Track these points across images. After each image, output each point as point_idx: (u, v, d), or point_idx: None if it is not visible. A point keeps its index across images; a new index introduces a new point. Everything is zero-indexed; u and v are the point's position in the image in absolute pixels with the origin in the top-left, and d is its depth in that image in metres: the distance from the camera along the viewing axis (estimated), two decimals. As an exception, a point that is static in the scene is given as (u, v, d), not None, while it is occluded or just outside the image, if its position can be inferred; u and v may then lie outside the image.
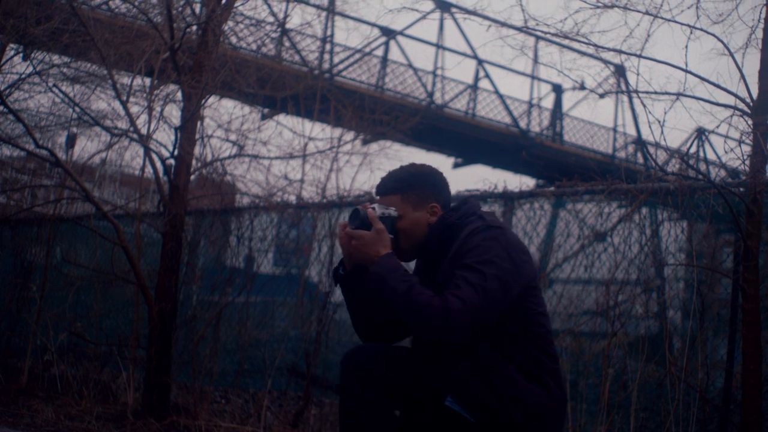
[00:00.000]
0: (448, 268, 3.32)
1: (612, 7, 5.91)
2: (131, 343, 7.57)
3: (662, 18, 5.88)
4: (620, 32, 6.34)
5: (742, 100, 5.46)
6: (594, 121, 21.33)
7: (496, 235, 3.32)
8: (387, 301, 3.22)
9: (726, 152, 5.49)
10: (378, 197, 3.60)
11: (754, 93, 5.46)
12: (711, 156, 18.87)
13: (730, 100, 5.60)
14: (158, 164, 7.21)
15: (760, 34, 5.59)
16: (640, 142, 20.68)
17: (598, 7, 5.93)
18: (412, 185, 3.57)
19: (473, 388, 3.23)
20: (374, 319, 3.56)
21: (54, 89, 8.34)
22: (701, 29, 5.73)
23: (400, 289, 3.18)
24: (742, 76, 5.46)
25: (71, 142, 13.28)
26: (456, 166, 20.88)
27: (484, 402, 3.22)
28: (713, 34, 5.74)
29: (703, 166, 16.53)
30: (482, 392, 3.23)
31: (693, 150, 17.45)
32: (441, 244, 3.47)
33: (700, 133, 18.85)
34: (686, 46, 5.68)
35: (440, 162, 21.19)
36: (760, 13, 5.58)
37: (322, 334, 7.44)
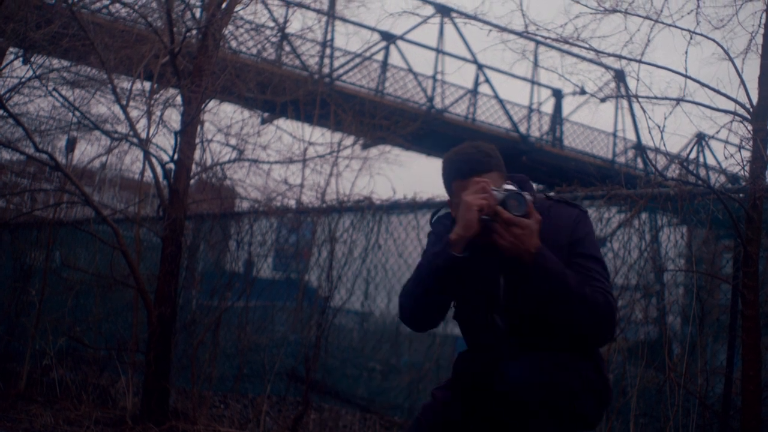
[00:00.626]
0: (562, 254, 3.14)
1: (613, 12, 5.91)
2: (130, 347, 7.56)
3: (662, 23, 5.88)
4: (620, 37, 6.36)
5: (742, 106, 5.46)
6: (594, 126, 21.34)
7: (591, 223, 3.32)
8: (557, 297, 3.00)
9: (726, 158, 5.49)
10: (469, 177, 3.16)
11: (754, 99, 5.45)
12: (711, 161, 18.88)
13: (730, 106, 5.60)
14: (158, 168, 7.21)
15: (760, 39, 5.59)
16: (639, 147, 20.67)
17: (598, 12, 5.93)
18: (502, 162, 3.27)
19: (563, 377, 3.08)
20: (442, 306, 3.34)
21: (54, 93, 8.35)
22: (701, 34, 5.73)
23: (573, 285, 3.00)
24: (742, 82, 5.46)
25: (71, 145, 13.27)
26: (456, 170, 20.91)
27: (572, 390, 3.07)
28: (713, 40, 5.74)
29: (702, 172, 16.55)
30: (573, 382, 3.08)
31: (693, 155, 17.47)
32: None
33: (700, 138, 18.87)
34: (686, 52, 5.69)
35: (440, 166, 21.20)
36: (760, 18, 5.58)
37: (321, 339, 7.44)
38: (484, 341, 3.27)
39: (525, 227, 2.97)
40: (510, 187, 3.07)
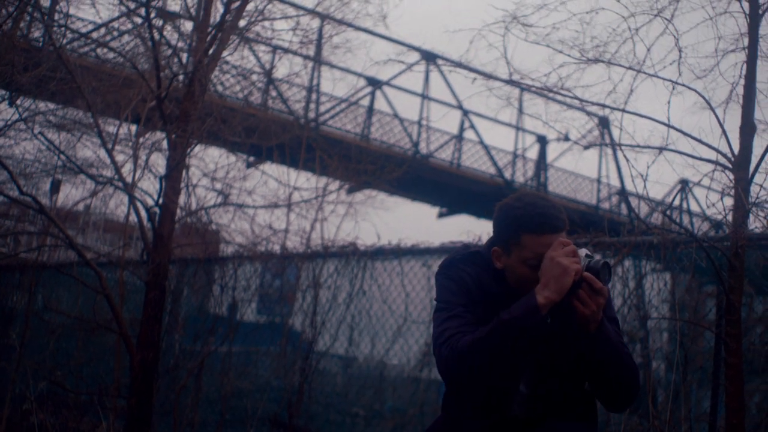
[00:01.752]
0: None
1: (596, 62, 5.98)
2: (112, 392, 7.50)
3: (645, 73, 5.95)
4: (604, 86, 6.41)
5: (724, 155, 5.51)
6: (578, 172, 21.45)
7: None
8: (619, 363, 3.00)
9: (708, 206, 5.53)
10: (546, 234, 3.00)
11: (736, 148, 5.51)
12: (695, 207, 18.99)
13: (712, 155, 5.65)
14: (143, 213, 7.20)
15: (741, 90, 5.66)
16: (623, 193, 20.78)
17: (581, 62, 6.00)
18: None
19: None
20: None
21: (39, 136, 8.34)
22: (683, 85, 5.79)
23: (624, 353, 3.01)
24: (724, 132, 5.51)
25: (55, 188, 13.23)
26: (441, 215, 20.92)
27: None
28: (695, 90, 5.80)
29: (686, 218, 16.64)
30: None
31: (676, 202, 17.56)
32: None
33: (684, 185, 18.99)
34: (669, 101, 5.75)
35: (425, 211, 21.25)
36: (741, 69, 5.65)
37: (304, 384, 7.41)
38: (496, 406, 3.13)
39: (606, 297, 2.90)
40: (589, 254, 2.94)
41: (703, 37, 6.04)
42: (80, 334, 8.68)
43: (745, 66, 5.64)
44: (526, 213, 3.02)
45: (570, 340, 3.01)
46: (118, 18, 9.93)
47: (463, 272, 3.16)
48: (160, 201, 7.08)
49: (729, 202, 5.47)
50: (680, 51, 5.89)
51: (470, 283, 3.11)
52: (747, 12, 5.68)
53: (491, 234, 3.22)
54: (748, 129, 5.49)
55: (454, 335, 2.99)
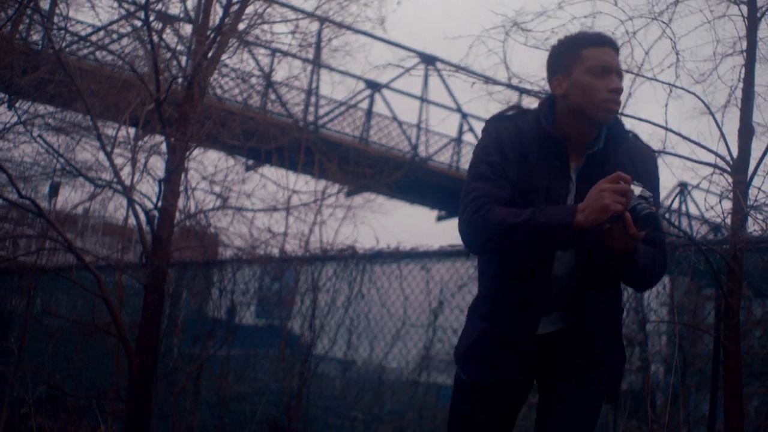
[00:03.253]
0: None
1: (594, 65, 5.97)
2: (110, 396, 7.49)
3: (644, 76, 5.96)
4: (602, 89, 6.41)
5: (723, 158, 5.52)
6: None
7: None
8: (653, 271, 3.11)
9: (707, 209, 5.54)
10: (607, 47, 3.12)
11: (734, 151, 5.51)
12: (694, 210, 18.99)
13: (711, 158, 5.65)
14: (142, 216, 7.20)
15: (739, 93, 5.66)
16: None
17: (580, 65, 6.00)
18: None
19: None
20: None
21: (38, 139, 8.35)
22: (682, 88, 5.80)
23: (650, 266, 3.08)
24: (722, 135, 5.52)
25: (54, 191, 13.23)
26: (439, 218, 20.90)
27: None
28: (694, 93, 5.80)
29: (685, 221, 16.63)
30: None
31: (675, 205, 17.56)
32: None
33: (683, 188, 18.99)
34: (667, 105, 5.76)
35: (424, 215, 21.20)
36: (740, 73, 5.66)
37: (303, 388, 7.40)
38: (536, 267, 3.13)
39: (639, 239, 2.89)
40: (644, 192, 2.90)
41: (701, 41, 6.04)
42: (79, 338, 8.67)
43: (743, 69, 5.64)
44: (583, 32, 3.25)
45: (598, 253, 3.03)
46: (117, 21, 9.94)
47: (501, 128, 3.19)
48: (159, 204, 7.07)
49: (728, 205, 5.48)
50: (678, 54, 5.89)
51: (506, 139, 3.13)
52: (745, 15, 5.69)
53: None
54: (746, 132, 5.49)
55: (482, 198, 3.04)
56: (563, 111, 3.14)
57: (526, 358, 3.13)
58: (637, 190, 2.86)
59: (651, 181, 3.16)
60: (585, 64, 3.07)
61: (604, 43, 3.12)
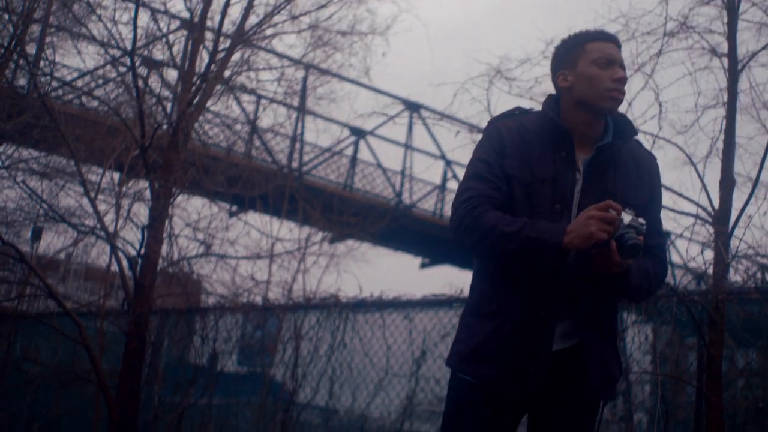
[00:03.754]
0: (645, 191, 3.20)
1: (577, 116, 6.02)
2: (90, 444, 7.39)
3: (626, 127, 6.01)
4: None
5: (704, 209, 5.56)
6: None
7: None
8: (649, 289, 3.18)
9: (688, 261, 5.56)
10: (611, 42, 3.21)
11: (716, 202, 5.55)
12: (677, 258, 19.02)
13: (693, 209, 5.70)
14: (124, 262, 7.17)
15: (720, 144, 5.72)
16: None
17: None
18: None
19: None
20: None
21: (22, 185, 8.32)
22: (665, 139, 5.87)
23: (647, 286, 3.13)
24: (704, 186, 5.57)
25: (37, 235, 13.17)
26: (423, 266, 20.85)
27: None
28: (676, 144, 5.87)
29: (668, 270, 16.67)
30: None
31: (658, 253, 17.62)
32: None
33: (666, 236, 19.04)
34: (649, 156, 5.80)
35: (407, 262, 21.15)
36: (721, 124, 5.72)
37: (285, 438, 7.33)
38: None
39: (623, 267, 2.92)
40: (634, 222, 2.89)
41: (683, 92, 6.13)
42: (58, 386, 8.57)
43: (724, 121, 5.71)
44: (586, 29, 3.26)
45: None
46: (103, 66, 9.97)
47: (501, 125, 3.22)
48: (142, 251, 7.05)
49: (710, 255, 5.51)
50: (661, 106, 5.97)
51: (506, 134, 3.16)
52: (726, 68, 5.77)
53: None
54: (727, 183, 5.54)
55: (476, 198, 3.05)
56: (568, 105, 3.20)
57: (544, 358, 3.02)
58: (626, 218, 2.87)
59: (653, 180, 3.23)
60: (590, 56, 3.15)
61: (607, 38, 3.22)
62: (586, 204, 2.96)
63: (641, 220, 2.89)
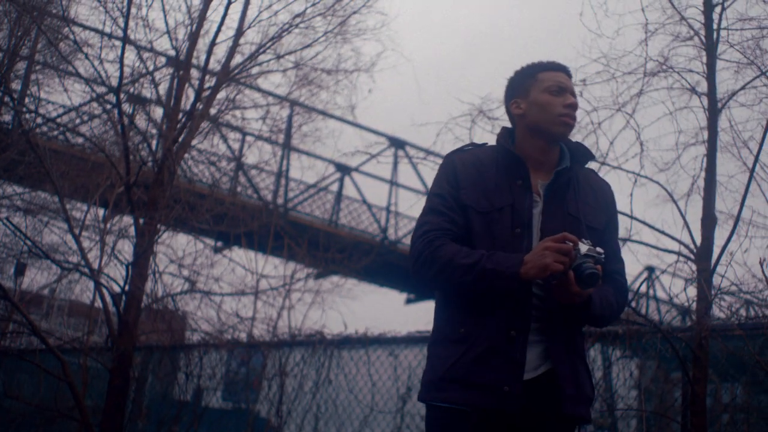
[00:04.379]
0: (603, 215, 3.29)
1: (559, 154, 6.07)
2: (72, 483, 7.32)
3: (609, 165, 6.08)
4: (568, 178, 6.52)
5: (686, 246, 5.60)
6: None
7: None
8: (611, 316, 3.21)
9: (671, 297, 5.59)
10: (562, 72, 3.32)
11: (698, 239, 5.60)
12: (661, 293, 19.08)
13: (676, 246, 5.74)
14: (108, 299, 7.14)
15: (701, 182, 5.78)
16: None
17: (545, 154, 6.09)
18: None
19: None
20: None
21: (5, 221, 8.30)
22: (646, 177, 5.92)
23: (610, 314, 3.18)
24: (686, 224, 5.61)
25: (20, 271, 13.11)
26: (408, 301, 20.84)
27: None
28: (657, 182, 5.93)
29: (653, 305, 16.72)
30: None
31: (643, 289, 17.66)
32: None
33: (650, 272, 19.12)
34: (632, 193, 5.86)
35: (393, 297, 21.10)
36: (702, 162, 5.78)
37: (269, 476, 7.28)
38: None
39: (583, 296, 2.98)
40: (591, 251, 2.96)
41: (664, 131, 6.21)
42: (41, 423, 8.49)
43: (705, 159, 5.77)
44: (539, 61, 3.38)
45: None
46: (88, 103, 10.00)
47: (456, 158, 3.30)
48: (127, 288, 7.03)
49: (693, 291, 5.54)
50: (642, 144, 6.03)
51: (460, 166, 3.24)
52: (706, 107, 5.84)
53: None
54: (709, 221, 5.59)
55: (432, 232, 3.12)
56: (522, 132, 3.31)
57: (518, 376, 3.01)
58: (583, 248, 2.93)
59: (609, 206, 3.33)
60: (542, 85, 3.28)
61: (558, 68, 3.32)
62: (549, 227, 3.07)
63: (599, 249, 2.96)
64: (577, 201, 3.20)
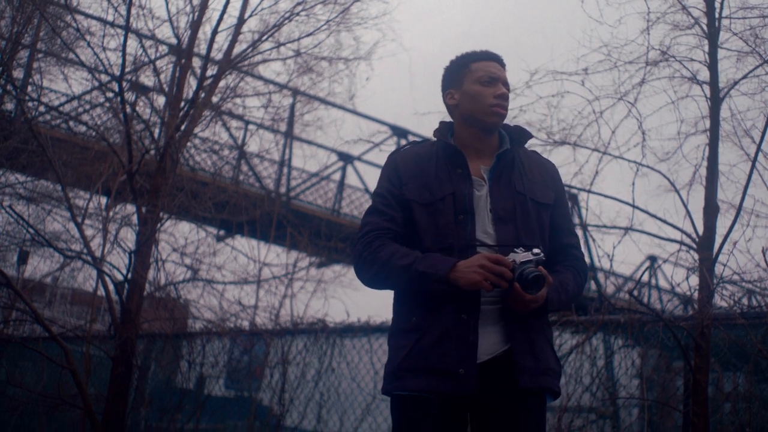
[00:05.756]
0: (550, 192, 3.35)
1: (562, 144, 6.08)
2: (75, 471, 7.34)
3: (610, 155, 6.07)
4: (570, 168, 6.52)
5: (688, 236, 5.60)
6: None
7: None
8: (571, 299, 3.27)
9: (673, 286, 5.60)
10: (494, 62, 3.39)
11: (700, 228, 5.59)
12: (663, 282, 19.07)
13: (678, 235, 5.74)
14: (111, 287, 7.15)
15: (703, 171, 5.77)
16: (592, 269, 20.87)
17: (548, 143, 6.10)
18: None
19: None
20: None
21: (8, 209, 8.30)
22: (648, 166, 5.91)
23: (569, 299, 3.24)
24: (688, 213, 5.61)
25: (23, 259, 13.12)
26: (411, 290, 20.90)
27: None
28: (659, 172, 5.92)
29: (655, 293, 16.72)
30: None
31: (645, 278, 17.66)
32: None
33: (652, 261, 19.11)
34: (633, 183, 5.86)
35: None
36: (704, 152, 5.77)
37: (272, 463, 7.30)
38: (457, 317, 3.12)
39: (540, 300, 3.03)
40: (527, 257, 3.02)
41: (666, 120, 6.20)
42: (44, 410, 8.51)
43: (707, 148, 5.76)
44: (471, 50, 3.45)
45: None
46: (90, 91, 9.99)
47: (396, 157, 3.39)
48: (129, 276, 7.04)
49: (695, 280, 5.54)
50: (644, 134, 6.02)
51: (401, 163, 3.34)
52: (708, 96, 5.83)
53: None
54: (711, 210, 5.58)
55: (373, 232, 3.22)
56: (458, 122, 3.41)
57: (471, 358, 3.05)
58: (519, 257, 3.01)
59: (556, 183, 3.43)
60: (474, 75, 3.37)
61: (490, 58, 3.41)
62: (499, 205, 3.18)
63: (536, 250, 3.04)
64: (523, 180, 3.28)
